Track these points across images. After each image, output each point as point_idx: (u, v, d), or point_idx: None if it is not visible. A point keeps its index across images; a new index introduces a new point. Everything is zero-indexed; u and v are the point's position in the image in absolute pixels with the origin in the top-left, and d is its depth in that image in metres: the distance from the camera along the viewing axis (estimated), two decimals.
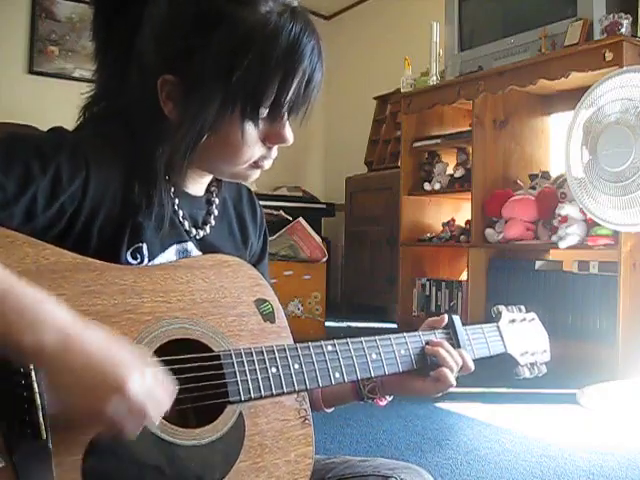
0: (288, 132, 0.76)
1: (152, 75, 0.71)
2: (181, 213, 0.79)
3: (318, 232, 4.07)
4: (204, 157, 0.76)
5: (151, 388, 0.58)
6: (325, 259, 3.61)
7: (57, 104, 3.49)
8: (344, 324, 4.27)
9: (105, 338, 0.58)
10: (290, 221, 3.66)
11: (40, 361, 0.55)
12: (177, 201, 0.78)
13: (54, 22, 4.50)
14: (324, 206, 4.95)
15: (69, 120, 0.78)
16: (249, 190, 0.94)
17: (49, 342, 0.54)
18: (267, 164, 0.79)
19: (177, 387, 0.62)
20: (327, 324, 3.74)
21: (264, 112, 0.72)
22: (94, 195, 0.69)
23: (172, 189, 0.78)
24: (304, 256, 3.54)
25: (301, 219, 3.63)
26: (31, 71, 4.45)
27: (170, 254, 0.77)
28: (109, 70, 0.78)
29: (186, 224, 0.79)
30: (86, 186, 0.68)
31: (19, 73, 4.42)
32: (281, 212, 3.84)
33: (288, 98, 0.72)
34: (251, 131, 0.73)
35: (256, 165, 0.78)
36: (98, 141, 0.72)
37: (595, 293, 2.79)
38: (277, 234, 3.55)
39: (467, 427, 2.05)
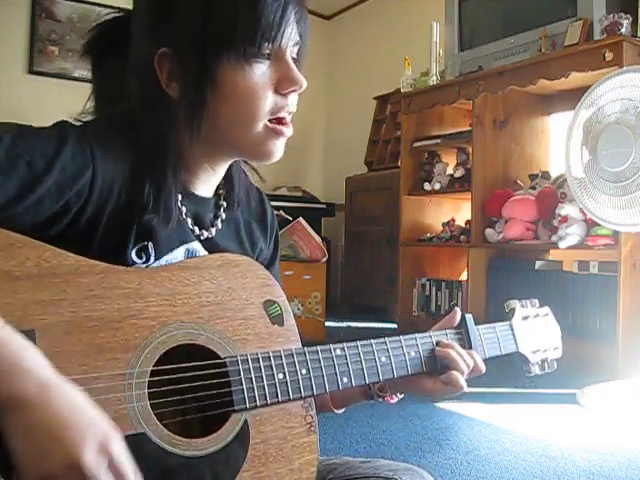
0: (296, 72, 0.73)
1: (149, 55, 0.71)
2: (184, 210, 0.77)
3: (318, 232, 4.07)
4: (219, 127, 0.73)
5: (114, 462, 0.52)
6: (325, 259, 3.61)
7: (57, 104, 3.45)
8: (344, 324, 4.26)
9: (80, 398, 0.54)
10: (290, 221, 3.65)
11: (10, 411, 0.50)
12: (180, 197, 0.76)
13: (54, 22, 4.49)
14: (324, 206, 4.94)
15: None
16: (260, 193, 0.92)
17: (28, 393, 0.50)
18: (288, 111, 0.75)
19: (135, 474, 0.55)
20: (327, 324, 3.73)
21: (255, 48, 0.70)
22: (101, 190, 0.67)
23: (177, 184, 0.75)
24: (304, 256, 3.54)
25: (301, 219, 3.63)
26: (31, 71, 4.45)
27: (179, 254, 0.75)
28: (108, 79, 0.79)
29: (189, 222, 0.78)
30: (93, 182, 0.67)
31: (19, 73, 4.42)
32: (281, 212, 3.83)
33: (265, 21, 0.70)
34: (254, 75, 0.71)
35: (276, 122, 0.74)
36: (105, 133, 0.70)
37: (595, 293, 2.79)
38: None
39: (467, 427, 2.05)
